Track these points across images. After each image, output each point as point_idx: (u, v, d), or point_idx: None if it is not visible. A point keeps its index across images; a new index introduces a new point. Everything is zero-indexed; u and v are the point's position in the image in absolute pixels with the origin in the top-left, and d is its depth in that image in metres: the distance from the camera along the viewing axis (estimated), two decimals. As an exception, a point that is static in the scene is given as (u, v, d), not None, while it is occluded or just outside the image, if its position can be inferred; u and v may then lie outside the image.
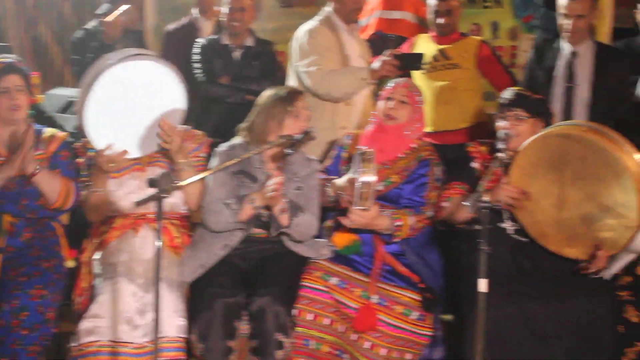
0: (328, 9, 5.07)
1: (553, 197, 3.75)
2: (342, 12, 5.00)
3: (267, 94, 4.12)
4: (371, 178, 3.62)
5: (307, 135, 3.84)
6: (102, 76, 3.68)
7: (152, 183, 3.17)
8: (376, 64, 4.75)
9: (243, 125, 4.15)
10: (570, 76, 4.95)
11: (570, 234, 3.76)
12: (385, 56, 4.71)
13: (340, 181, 4.03)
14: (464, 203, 3.32)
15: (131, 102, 3.79)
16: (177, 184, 3.20)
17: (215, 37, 5.71)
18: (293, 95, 4.05)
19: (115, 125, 3.79)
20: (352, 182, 3.88)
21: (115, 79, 3.71)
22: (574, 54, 4.94)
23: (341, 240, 4.05)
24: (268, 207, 3.87)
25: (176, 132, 3.83)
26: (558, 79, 4.96)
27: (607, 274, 4.05)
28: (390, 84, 4.26)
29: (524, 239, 3.94)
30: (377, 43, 5.90)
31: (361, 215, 3.74)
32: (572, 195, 3.70)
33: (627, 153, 3.57)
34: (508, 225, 3.96)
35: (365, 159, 3.65)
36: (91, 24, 6.13)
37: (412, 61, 4.84)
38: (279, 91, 4.10)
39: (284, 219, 3.86)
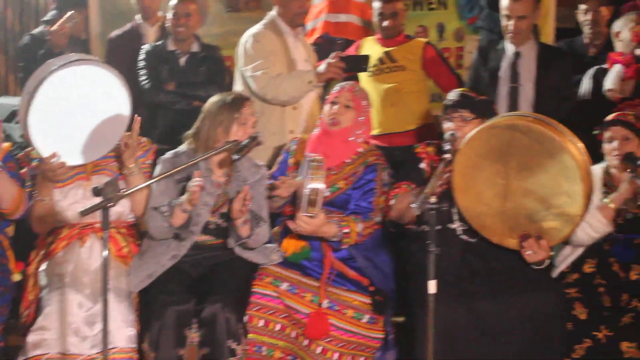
0: (273, 13, 5.06)
1: (498, 188, 3.77)
2: (287, 16, 4.99)
3: (213, 100, 4.08)
4: (320, 185, 3.61)
5: (254, 141, 3.80)
6: (45, 83, 3.62)
7: (96, 192, 3.12)
8: (322, 66, 4.75)
9: (189, 132, 4.10)
10: (514, 77, 5.00)
11: (514, 225, 3.78)
12: (331, 59, 4.71)
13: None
14: (412, 205, 3.32)
15: (75, 109, 3.74)
16: (122, 192, 3.16)
17: (160, 43, 5.66)
18: (239, 102, 4.00)
19: (60, 133, 3.74)
20: (290, 183, 3.89)
21: (58, 86, 3.66)
22: (517, 55, 4.99)
23: (290, 246, 4.04)
24: (226, 217, 3.86)
25: (136, 136, 3.82)
26: (502, 80, 5.01)
27: (556, 272, 4.12)
28: (336, 88, 4.26)
29: (472, 239, 3.97)
30: (324, 46, 5.91)
31: (308, 222, 3.73)
32: (517, 186, 3.72)
33: (571, 143, 3.60)
34: (457, 226, 3.99)
35: (314, 166, 3.64)
36: (37, 30, 6.05)
37: (358, 63, 4.86)
38: (225, 97, 4.06)
39: (244, 231, 3.84)
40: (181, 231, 3.84)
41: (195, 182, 3.69)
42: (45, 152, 3.71)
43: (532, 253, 3.73)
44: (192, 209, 3.78)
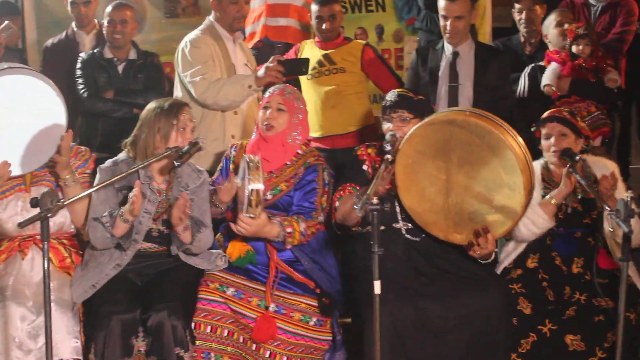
0: (210, 18, 5.04)
1: (440, 184, 3.80)
2: (225, 21, 4.96)
3: (150, 107, 4.01)
4: (259, 185, 3.60)
5: (195, 147, 3.76)
6: None
7: (34, 203, 3.08)
8: (261, 71, 4.73)
9: (127, 140, 4.05)
10: (453, 76, 5.05)
11: (458, 220, 3.81)
12: (270, 63, 4.71)
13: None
14: (355, 207, 3.32)
15: (9, 119, 3.66)
16: (61, 203, 3.11)
17: (97, 51, 5.59)
18: (177, 108, 3.95)
19: None
20: (230, 186, 3.89)
21: None
22: (455, 54, 5.05)
23: (235, 251, 4.01)
24: (167, 224, 3.82)
25: (67, 146, 3.75)
26: (442, 79, 5.07)
27: (499, 268, 4.17)
28: (267, 93, 4.25)
29: (416, 238, 3.99)
30: (264, 50, 5.93)
31: (250, 223, 3.72)
32: (459, 181, 3.75)
33: (511, 136, 3.64)
34: (401, 226, 4.01)
35: (252, 167, 3.63)
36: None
37: (298, 66, 4.86)
38: (162, 104, 3.99)
39: (186, 237, 3.81)
40: (123, 241, 3.78)
41: (134, 192, 3.65)
42: None
43: (480, 248, 3.77)
44: (133, 218, 3.74)
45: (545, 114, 4.27)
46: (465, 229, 3.82)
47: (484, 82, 5.04)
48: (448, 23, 4.95)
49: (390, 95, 4.08)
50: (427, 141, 3.77)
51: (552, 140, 4.13)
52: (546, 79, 5.34)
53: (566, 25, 5.51)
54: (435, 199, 3.82)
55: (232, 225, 3.81)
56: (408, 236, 4.00)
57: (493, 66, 5.06)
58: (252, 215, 3.66)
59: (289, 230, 3.88)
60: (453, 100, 5.02)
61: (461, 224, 3.82)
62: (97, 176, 3.94)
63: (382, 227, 3.93)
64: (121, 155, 4.02)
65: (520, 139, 3.68)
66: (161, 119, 3.91)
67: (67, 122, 3.80)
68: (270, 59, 4.75)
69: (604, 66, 5.46)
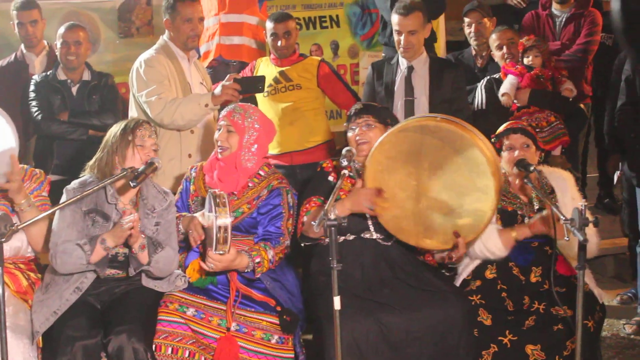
0: (165, 37, 5.01)
1: (410, 190, 3.82)
2: (179, 40, 4.93)
3: (112, 128, 4.01)
4: (226, 221, 3.56)
5: (151, 167, 3.75)
6: None
7: (-13, 228, 3.03)
8: (217, 89, 4.72)
9: (90, 162, 4.02)
10: (409, 90, 5.08)
11: (428, 225, 3.84)
12: (226, 81, 4.70)
13: (196, 215, 3.99)
14: (312, 223, 3.33)
15: None
16: (15, 227, 3.06)
17: (50, 72, 5.55)
18: (133, 125, 3.94)
19: None
20: (205, 225, 3.86)
21: None
22: (410, 69, 5.08)
23: (195, 272, 3.99)
24: (126, 246, 3.78)
25: (16, 171, 3.70)
26: (397, 94, 5.09)
27: (458, 280, 4.19)
28: (221, 113, 4.24)
29: (387, 243, 4.02)
30: (219, 69, 5.93)
31: (220, 259, 3.69)
32: (429, 186, 3.78)
33: (480, 140, 3.67)
34: (370, 234, 4.03)
35: (219, 202, 3.60)
36: None
37: (254, 84, 4.85)
38: (121, 123, 3.99)
39: (143, 257, 3.78)
40: (100, 268, 3.76)
41: (127, 220, 3.62)
42: None
43: (455, 251, 3.80)
44: (115, 246, 3.71)
45: (508, 125, 4.31)
46: (435, 233, 3.85)
47: (439, 95, 5.07)
48: (402, 38, 4.99)
49: (356, 105, 4.16)
50: (398, 147, 3.79)
51: (516, 152, 4.17)
52: (503, 89, 5.40)
53: (504, 49, 5.60)
54: (405, 204, 3.84)
55: (201, 263, 3.79)
56: (380, 241, 4.01)
57: (447, 79, 5.11)
58: (221, 252, 3.64)
59: (257, 260, 3.88)
60: (409, 114, 5.04)
61: (431, 229, 3.84)
62: (64, 197, 3.90)
63: (352, 237, 3.97)
64: (88, 177, 3.98)
65: (489, 144, 3.71)
66: (119, 137, 3.90)
67: (19, 147, 3.75)
68: (227, 77, 4.74)
69: (559, 76, 5.55)
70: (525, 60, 5.50)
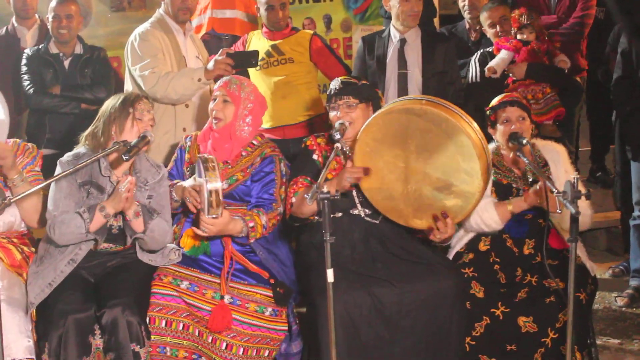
0: (161, 10, 4.99)
1: (398, 171, 3.81)
2: (171, 12, 4.92)
3: (109, 100, 4.00)
4: (217, 185, 3.57)
5: (143, 140, 3.75)
6: None
7: (-21, 202, 3.03)
8: (210, 64, 4.70)
9: (85, 132, 4.01)
10: (402, 63, 5.07)
11: (417, 206, 3.84)
12: (219, 56, 4.69)
13: (187, 183, 4.00)
14: (305, 196, 3.33)
15: None
16: (7, 200, 3.06)
17: (42, 46, 5.53)
18: (133, 98, 3.94)
19: None
20: (197, 189, 3.85)
21: None
22: (403, 41, 5.07)
23: (189, 241, 4.01)
24: (121, 214, 3.79)
25: (7, 148, 3.68)
26: (390, 67, 5.08)
27: (451, 253, 4.21)
28: (216, 84, 4.24)
29: (375, 221, 4.03)
30: (211, 43, 5.90)
31: (213, 223, 3.70)
32: (417, 168, 3.77)
33: (466, 123, 3.67)
34: (360, 211, 4.03)
35: (208, 167, 3.60)
36: None
37: (247, 58, 4.82)
38: (120, 95, 3.99)
39: (138, 225, 3.78)
40: (99, 236, 3.76)
41: (125, 183, 3.62)
42: None
43: (440, 232, 3.80)
44: (114, 212, 3.71)
45: (503, 98, 4.30)
46: (425, 214, 3.85)
47: (431, 67, 5.08)
48: (411, 4, 5.00)
49: (334, 83, 4.10)
50: (384, 130, 3.78)
51: (513, 125, 4.16)
52: (492, 64, 5.38)
53: (498, 27, 5.57)
54: (394, 186, 3.84)
55: (194, 229, 3.80)
56: (367, 219, 4.01)
57: (440, 52, 5.11)
58: (214, 216, 3.64)
59: (251, 224, 3.88)
60: (402, 87, 5.05)
61: (421, 210, 3.84)
62: (58, 169, 3.87)
63: (340, 214, 3.97)
64: (82, 149, 3.97)
65: (475, 125, 3.70)
66: (117, 108, 3.89)
67: (9, 122, 3.73)
68: (220, 51, 4.73)
69: (552, 49, 5.54)
70: (519, 37, 5.48)
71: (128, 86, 4.96)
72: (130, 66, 4.88)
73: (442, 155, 3.70)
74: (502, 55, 5.40)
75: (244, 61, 4.80)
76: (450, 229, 3.81)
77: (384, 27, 5.78)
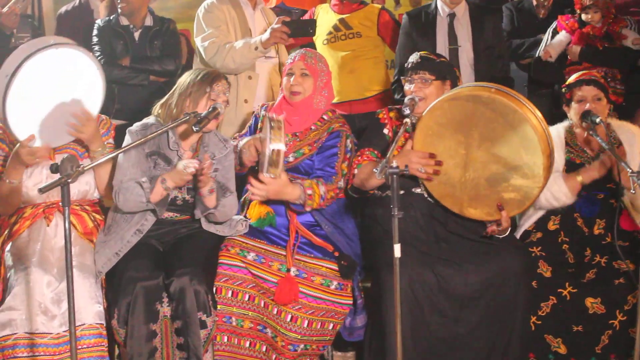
0: None
1: (458, 158, 3.77)
2: None
3: (188, 73, 4.02)
4: (280, 146, 3.58)
5: (214, 112, 3.74)
6: (23, 67, 3.44)
7: (54, 169, 3.06)
8: (266, 32, 4.69)
9: (159, 102, 4.04)
10: (452, 38, 5.00)
11: (474, 195, 3.80)
12: (275, 24, 4.67)
13: (246, 140, 4.02)
14: (374, 170, 3.31)
15: (51, 92, 3.60)
16: (81, 168, 3.10)
17: (113, 18, 5.56)
18: (213, 76, 3.94)
19: (36, 116, 3.59)
20: (259, 143, 3.88)
21: (35, 69, 3.49)
22: (452, 16, 5.00)
23: (255, 212, 4.03)
24: (194, 189, 3.82)
25: (91, 120, 3.74)
26: (439, 42, 5.00)
27: (519, 231, 4.17)
28: (289, 60, 4.23)
29: (433, 201, 3.98)
30: (281, 16, 5.87)
31: (270, 182, 3.70)
32: (478, 157, 3.73)
33: (532, 114, 3.61)
34: (422, 190, 3.99)
35: (275, 126, 3.61)
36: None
37: (304, 27, 4.76)
38: (200, 70, 4.00)
39: (210, 201, 3.80)
40: (159, 207, 3.79)
41: (191, 164, 3.63)
42: (21, 136, 3.58)
43: (496, 225, 3.77)
44: (175, 186, 3.75)
45: (580, 76, 4.22)
46: (480, 204, 3.81)
47: (481, 41, 5.00)
48: None
49: (413, 57, 4.07)
50: (449, 115, 3.74)
51: (588, 104, 4.08)
52: (548, 46, 5.31)
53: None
54: (452, 172, 3.80)
55: (249, 187, 3.78)
56: (430, 199, 3.98)
57: (488, 25, 5.02)
58: (272, 175, 3.65)
59: (309, 192, 3.87)
60: (454, 63, 4.96)
61: (476, 199, 3.80)
62: (127, 138, 3.92)
63: (402, 192, 3.94)
64: (151, 119, 4.00)
65: (539, 114, 3.65)
66: (195, 85, 3.91)
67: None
68: (276, 20, 4.72)
69: (617, 31, 5.41)
70: (584, 17, 5.38)
71: (198, 59, 4.99)
72: (195, 37, 4.90)
73: (505, 147, 3.66)
74: (560, 37, 5.32)
75: (300, 30, 4.74)
76: (505, 222, 3.77)
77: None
